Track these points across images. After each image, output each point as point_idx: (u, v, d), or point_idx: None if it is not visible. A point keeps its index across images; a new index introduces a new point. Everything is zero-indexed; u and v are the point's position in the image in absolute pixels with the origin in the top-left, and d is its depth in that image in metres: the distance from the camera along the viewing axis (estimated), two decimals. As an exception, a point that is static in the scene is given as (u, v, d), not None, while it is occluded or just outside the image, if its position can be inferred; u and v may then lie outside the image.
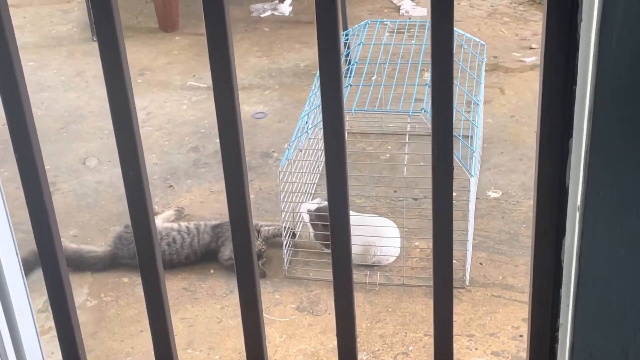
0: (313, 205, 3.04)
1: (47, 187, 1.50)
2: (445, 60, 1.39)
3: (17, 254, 1.94)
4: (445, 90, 1.42)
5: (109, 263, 3.06)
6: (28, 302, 2.01)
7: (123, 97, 1.39)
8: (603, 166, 1.40)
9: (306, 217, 3.03)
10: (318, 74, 3.63)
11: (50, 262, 1.56)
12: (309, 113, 3.08)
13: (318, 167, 3.40)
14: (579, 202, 1.46)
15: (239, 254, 1.56)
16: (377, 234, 2.95)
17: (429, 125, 2.88)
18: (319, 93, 3.20)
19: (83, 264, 3.03)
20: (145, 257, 1.56)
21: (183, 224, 3.11)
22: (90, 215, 3.35)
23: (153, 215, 1.52)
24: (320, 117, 3.13)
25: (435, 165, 1.51)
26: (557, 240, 1.52)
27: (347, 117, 3.14)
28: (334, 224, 1.54)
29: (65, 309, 1.63)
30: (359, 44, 3.28)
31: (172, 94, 4.26)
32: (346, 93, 3.01)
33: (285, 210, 2.99)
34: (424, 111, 2.77)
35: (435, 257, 1.61)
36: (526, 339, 1.63)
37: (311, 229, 3.03)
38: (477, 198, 3.22)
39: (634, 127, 1.35)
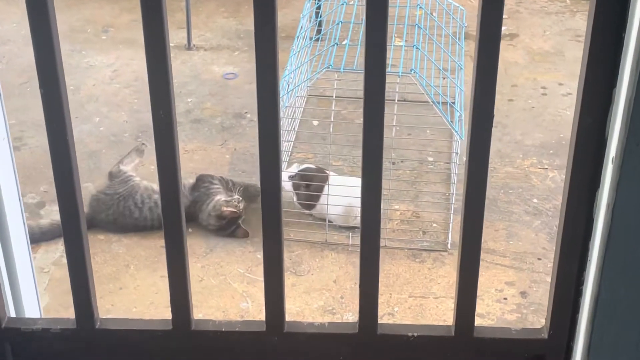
0: (292, 171, 3.00)
1: (70, 123, 1.45)
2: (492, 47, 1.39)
3: (20, 199, 1.88)
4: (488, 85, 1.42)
5: (88, 226, 2.96)
6: (28, 252, 1.95)
7: (159, 30, 1.33)
8: (646, 117, 1.39)
9: (287, 185, 2.96)
10: (298, 33, 3.51)
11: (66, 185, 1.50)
12: (286, 77, 3.03)
13: (294, 127, 3.37)
14: (613, 154, 1.45)
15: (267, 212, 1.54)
16: (359, 196, 2.92)
17: (419, 87, 2.87)
18: (300, 53, 3.16)
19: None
20: (169, 203, 1.51)
21: None
22: (60, 171, 3.25)
23: (179, 156, 1.48)
24: (299, 81, 3.10)
25: (471, 165, 1.51)
26: (590, 192, 1.51)
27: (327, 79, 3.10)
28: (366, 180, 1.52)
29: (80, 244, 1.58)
30: (342, 4, 3.23)
31: (138, 51, 4.15)
32: (330, 53, 2.97)
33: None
34: (414, 72, 2.75)
35: (464, 229, 1.61)
36: (549, 293, 1.62)
37: (295, 196, 2.98)
38: (456, 164, 3.22)
39: (682, 77, 1.35)
